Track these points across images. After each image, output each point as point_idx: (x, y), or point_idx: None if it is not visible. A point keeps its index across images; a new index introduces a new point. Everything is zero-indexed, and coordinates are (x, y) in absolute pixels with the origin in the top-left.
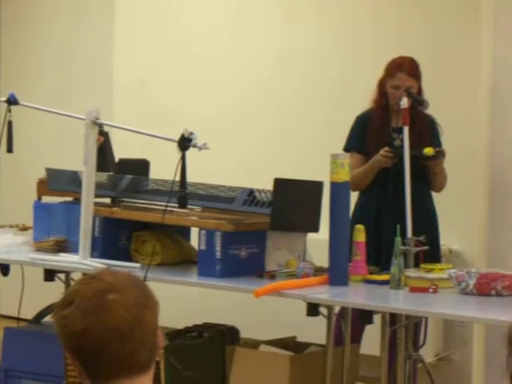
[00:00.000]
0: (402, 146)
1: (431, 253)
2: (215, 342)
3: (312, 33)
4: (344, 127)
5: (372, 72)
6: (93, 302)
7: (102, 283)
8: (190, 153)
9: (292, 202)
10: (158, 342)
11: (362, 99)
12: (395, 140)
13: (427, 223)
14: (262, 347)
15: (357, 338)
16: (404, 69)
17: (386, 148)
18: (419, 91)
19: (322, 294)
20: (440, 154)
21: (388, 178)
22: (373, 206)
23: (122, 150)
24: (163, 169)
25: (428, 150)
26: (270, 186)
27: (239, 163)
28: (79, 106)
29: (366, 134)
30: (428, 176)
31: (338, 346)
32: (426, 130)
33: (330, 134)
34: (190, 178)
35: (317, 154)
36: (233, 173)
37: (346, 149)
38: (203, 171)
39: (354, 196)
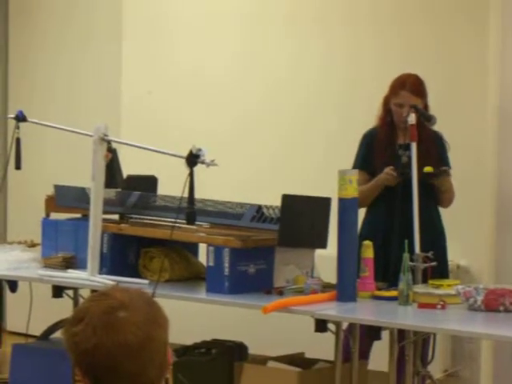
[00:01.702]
0: (406, 165)
1: (439, 269)
2: (223, 359)
3: (319, 49)
4: (352, 143)
5: (379, 87)
6: (103, 319)
7: (113, 300)
8: (198, 169)
9: (300, 218)
10: (168, 358)
11: (370, 115)
12: (401, 157)
13: (435, 239)
14: (270, 363)
15: (365, 354)
16: (407, 87)
17: (391, 167)
18: (425, 108)
19: (330, 310)
20: (443, 173)
21: (395, 194)
22: (381, 222)
23: (130, 166)
24: (171, 185)
25: (427, 169)
26: (277, 202)
27: (247, 179)
28: (86, 123)
29: (372, 152)
30: (435, 192)
31: (346, 362)
32: (432, 146)
33: (337, 150)
34: (198, 194)
35: (325, 169)
36: (240, 189)
37: (354, 167)
38: (211, 187)
39: (361, 212)
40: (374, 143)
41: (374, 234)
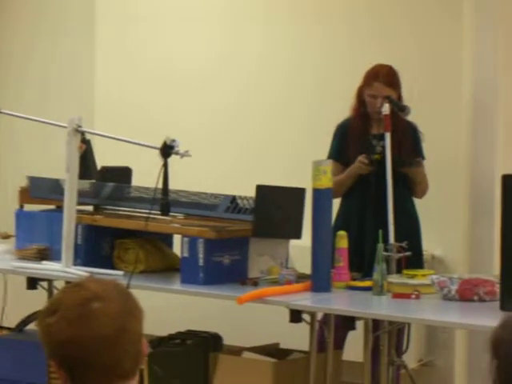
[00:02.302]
0: (380, 153)
1: (414, 259)
2: (198, 350)
3: (292, 41)
4: (326, 134)
5: (353, 78)
6: (77, 310)
7: (87, 291)
8: (172, 160)
9: (274, 209)
10: (143, 349)
11: (344, 105)
12: (375, 147)
13: (409, 229)
14: (245, 354)
15: (340, 345)
16: (380, 78)
17: (363, 155)
18: (399, 99)
19: (305, 300)
20: (415, 163)
21: (369, 184)
22: (355, 212)
23: (104, 157)
24: (146, 176)
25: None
26: (252, 193)
27: (221, 170)
28: (60, 114)
29: (346, 142)
30: (409, 183)
31: (321, 352)
32: (406, 137)
33: (311, 141)
34: (172, 185)
35: (298, 160)
36: (215, 180)
37: (328, 158)
38: (185, 178)
39: (335, 203)
40: (348, 134)
41: (349, 224)
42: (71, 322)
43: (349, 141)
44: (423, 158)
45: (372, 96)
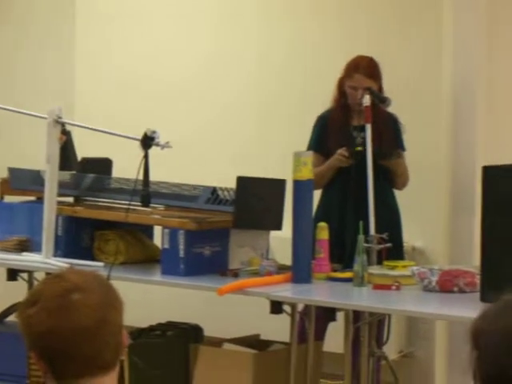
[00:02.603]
0: (360, 145)
1: (394, 250)
2: (179, 341)
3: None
4: (304, 124)
5: (335, 71)
6: (57, 301)
7: (67, 283)
8: (153, 151)
9: (255, 200)
10: (123, 341)
11: (324, 97)
12: (356, 139)
13: (390, 221)
14: (226, 345)
15: (320, 336)
16: (361, 70)
17: (343, 148)
18: (380, 90)
19: (285, 291)
20: (395, 155)
21: (350, 175)
22: (335, 203)
23: (85, 149)
24: (126, 167)
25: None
26: (232, 185)
27: (201, 161)
28: (40, 105)
29: (327, 134)
30: (389, 174)
31: (302, 343)
32: (387, 128)
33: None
34: (152, 177)
35: (280, 152)
36: (195, 171)
37: (308, 149)
38: (166, 170)
39: (316, 194)
40: (328, 125)
41: (329, 216)
42: (51, 313)
43: (329, 132)
44: (404, 149)
45: (353, 87)
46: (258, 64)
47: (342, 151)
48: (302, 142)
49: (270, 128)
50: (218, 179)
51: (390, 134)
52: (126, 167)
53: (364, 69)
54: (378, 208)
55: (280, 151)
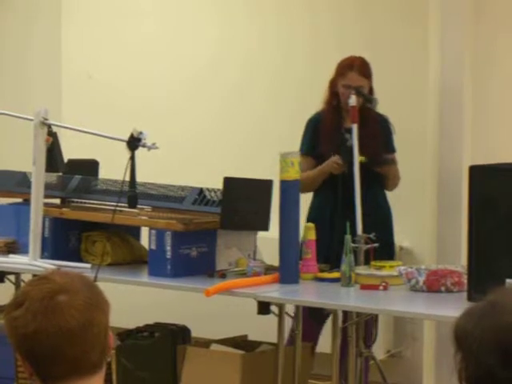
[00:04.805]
0: (351, 150)
1: (386, 251)
2: (166, 342)
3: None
4: (291, 124)
5: (312, 66)
6: (43, 303)
7: (53, 284)
8: (140, 152)
9: (242, 201)
10: (109, 342)
11: (303, 94)
12: (348, 141)
13: (382, 222)
14: (214, 346)
15: (314, 338)
16: (355, 68)
17: (337, 156)
18: (370, 90)
19: (273, 292)
20: (389, 161)
21: (342, 177)
22: (328, 207)
23: (71, 150)
24: (113, 169)
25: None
26: (219, 185)
27: (189, 162)
28: (27, 107)
29: (318, 136)
30: (380, 176)
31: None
32: (378, 130)
33: (277, 131)
34: (139, 178)
35: (266, 151)
36: (182, 172)
37: (300, 153)
38: (153, 170)
39: (305, 197)
40: (321, 127)
41: (322, 218)
42: (36, 314)
43: (322, 134)
44: (394, 150)
45: (347, 86)
46: (250, 66)
47: (335, 159)
48: (295, 143)
49: (263, 129)
50: (213, 181)
51: (381, 135)
52: (112, 169)
53: (358, 67)
54: (372, 210)
55: (273, 153)
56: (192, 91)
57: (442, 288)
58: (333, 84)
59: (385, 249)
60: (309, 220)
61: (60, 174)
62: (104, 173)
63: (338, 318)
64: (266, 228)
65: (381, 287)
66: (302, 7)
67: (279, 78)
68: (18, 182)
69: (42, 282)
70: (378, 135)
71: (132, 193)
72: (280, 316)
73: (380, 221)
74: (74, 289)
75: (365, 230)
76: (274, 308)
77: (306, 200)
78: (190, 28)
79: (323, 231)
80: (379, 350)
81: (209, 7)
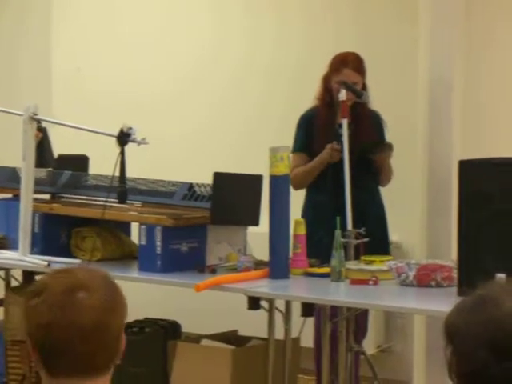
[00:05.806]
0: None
1: (382, 245)
2: (157, 337)
3: (246, 23)
4: (281, 119)
5: (305, 63)
6: (61, 297)
7: (73, 279)
8: (130, 147)
9: (232, 196)
10: (121, 346)
11: (296, 92)
12: (342, 136)
13: (378, 217)
14: (204, 341)
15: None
16: (349, 64)
17: (334, 142)
18: (364, 86)
19: (263, 287)
20: (388, 146)
21: (335, 172)
22: (325, 203)
23: (61, 145)
24: (103, 164)
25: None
26: (209, 180)
27: (179, 157)
28: (17, 102)
29: (312, 133)
30: (374, 170)
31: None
32: (371, 125)
33: (267, 127)
34: (129, 173)
35: (256, 147)
36: (172, 167)
37: (293, 150)
38: (143, 166)
39: (297, 193)
40: (314, 124)
41: (320, 215)
42: (53, 308)
43: (316, 131)
44: None
45: (340, 82)
46: (244, 64)
47: (332, 145)
48: (287, 140)
49: (256, 126)
50: (205, 177)
51: (374, 131)
52: (102, 164)
53: (352, 63)
54: (366, 204)
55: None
56: (184, 87)
57: (433, 283)
58: (326, 80)
59: (381, 245)
60: (307, 216)
61: (50, 169)
62: (94, 168)
63: (326, 313)
64: (256, 223)
65: (371, 282)
66: (295, 5)
67: (272, 75)
68: (7, 178)
69: (63, 275)
70: (371, 130)
71: (122, 188)
72: (270, 311)
73: (378, 217)
74: (94, 287)
75: (362, 227)
76: (264, 303)
77: (297, 196)
78: (182, 24)
79: (321, 227)
80: (370, 345)
81: (201, 4)
